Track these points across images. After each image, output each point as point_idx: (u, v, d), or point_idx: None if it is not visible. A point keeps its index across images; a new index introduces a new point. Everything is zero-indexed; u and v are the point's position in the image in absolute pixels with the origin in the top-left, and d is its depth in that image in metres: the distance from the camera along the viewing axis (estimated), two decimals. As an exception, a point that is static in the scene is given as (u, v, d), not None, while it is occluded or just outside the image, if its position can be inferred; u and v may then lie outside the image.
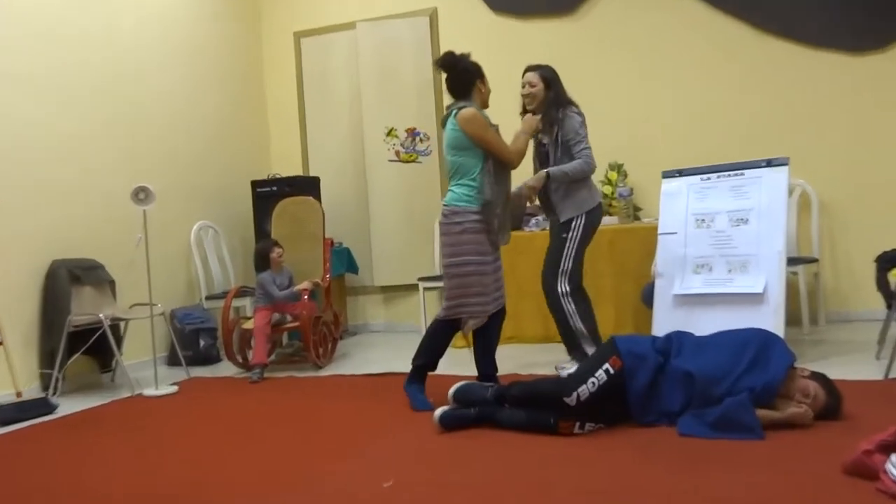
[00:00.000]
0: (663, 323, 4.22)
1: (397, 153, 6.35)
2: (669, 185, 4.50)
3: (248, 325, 4.92)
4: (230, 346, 4.95)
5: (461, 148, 3.65)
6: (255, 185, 6.07)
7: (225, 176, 6.24)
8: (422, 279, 5.89)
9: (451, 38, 6.22)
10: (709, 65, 5.54)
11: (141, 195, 4.46)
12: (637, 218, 5.51)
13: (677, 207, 4.42)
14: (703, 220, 4.30)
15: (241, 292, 5.40)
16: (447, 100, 6.05)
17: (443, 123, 3.75)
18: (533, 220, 5.45)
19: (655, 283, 4.38)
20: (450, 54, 3.69)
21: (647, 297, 4.43)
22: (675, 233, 4.39)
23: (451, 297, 3.67)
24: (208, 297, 5.67)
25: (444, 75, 3.74)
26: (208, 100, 6.13)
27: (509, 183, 3.79)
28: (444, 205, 3.66)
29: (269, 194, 5.89)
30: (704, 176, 4.39)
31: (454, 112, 3.66)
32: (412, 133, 6.35)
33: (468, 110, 3.63)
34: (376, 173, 6.36)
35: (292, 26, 6.72)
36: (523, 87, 4.18)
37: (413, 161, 6.35)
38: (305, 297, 4.90)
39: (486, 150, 3.65)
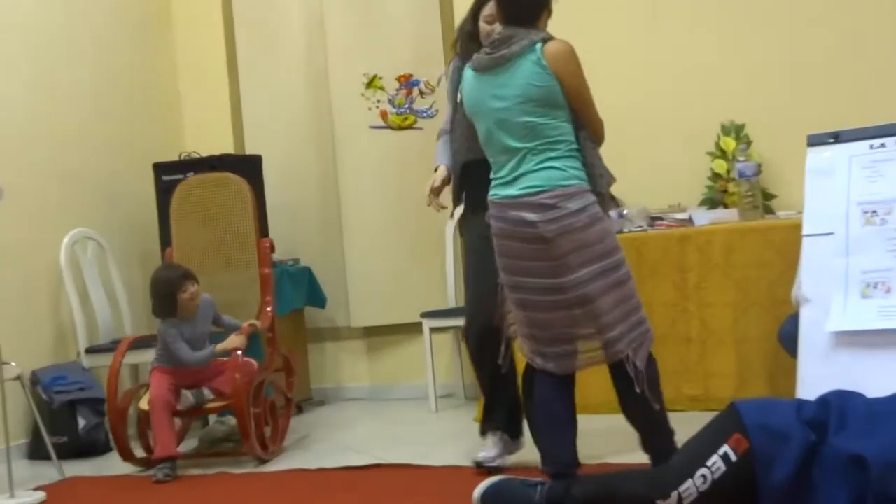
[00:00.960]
0: (815, 377, 4.18)
1: (384, 115, 6.40)
2: (819, 157, 4.46)
3: (147, 402, 4.92)
4: (123, 429, 4.95)
5: (550, 104, 3.68)
6: (160, 170, 6.11)
7: (113, 158, 6.30)
8: (428, 315, 5.91)
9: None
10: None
11: (-20, 191, 4.48)
12: (769, 211, 5.51)
13: (833, 193, 4.39)
14: (874, 212, 4.28)
15: (143, 342, 5.42)
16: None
17: (487, 65, 3.76)
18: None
19: (801, 315, 4.37)
20: None
21: (788, 338, 4.40)
22: (831, 233, 4.36)
23: (620, 319, 3.71)
24: (90, 351, 5.70)
25: None
26: (81, 44, 6.18)
27: None
28: (539, 189, 3.65)
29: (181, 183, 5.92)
30: (876, 141, 4.36)
31: (537, 45, 3.67)
32: (407, 83, 6.39)
33: (563, 44, 3.68)
34: (351, 147, 6.42)
35: None
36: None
37: (409, 127, 6.39)
38: (238, 353, 4.90)
39: (580, 108, 3.73)
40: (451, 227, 6.20)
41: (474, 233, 4.26)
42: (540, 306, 3.73)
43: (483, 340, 4.19)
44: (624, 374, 3.73)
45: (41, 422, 5.03)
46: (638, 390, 3.70)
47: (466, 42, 4.28)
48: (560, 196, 3.63)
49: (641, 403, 3.75)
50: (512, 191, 3.70)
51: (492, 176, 3.82)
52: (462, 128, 4.21)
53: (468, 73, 3.85)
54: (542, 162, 3.67)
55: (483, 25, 4.20)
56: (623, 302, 3.72)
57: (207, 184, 5.47)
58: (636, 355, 3.72)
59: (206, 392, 4.95)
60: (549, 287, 3.67)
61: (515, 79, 3.69)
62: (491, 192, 3.79)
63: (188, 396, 4.89)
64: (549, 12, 3.84)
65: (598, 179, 3.72)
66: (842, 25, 5.59)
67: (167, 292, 4.91)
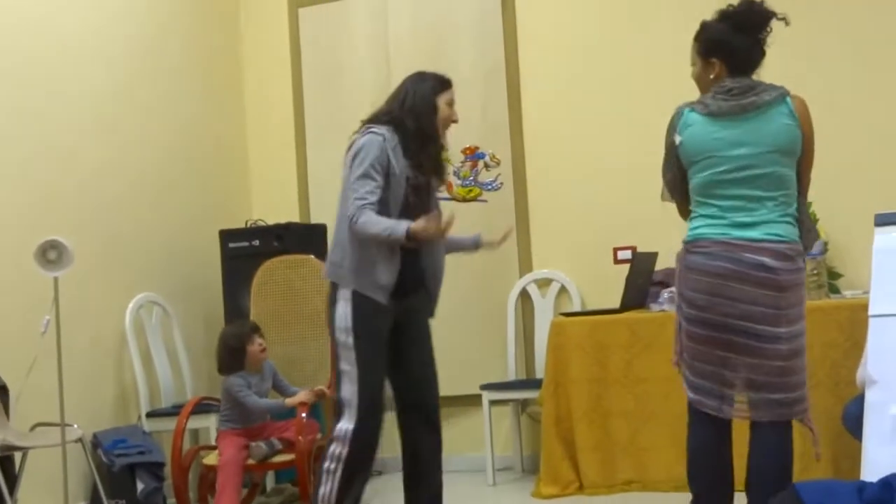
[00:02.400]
0: (879, 460, 4.11)
1: (449, 186, 6.44)
2: (887, 237, 4.42)
3: (213, 459, 4.96)
4: (184, 491, 4.99)
5: (794, 155, 3.75)
6: (227, 237, 6.18)
7: (179, 225, 6.37)
8: (488, 387, 5.89)
9: (535, 5, 6.35)
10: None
11: (51, 254, 4.54)
12: (834, 290, 5.47)
13: (898, 271, 4.36)
14: (943, 292, 4.23)
15: (205, 406, 5.46)
16: (531, 99, 6.26)
17: (731, 110, 3.73)
18: (666, 293, 5.43)
19: (866, 397, 4.30)
20: (762, 2, 3.76)
21: (853, 419, 4.34)
22: (898, 314, 4.33)
23: (801, 383, 3.74)
24: (151, 415, 5.74)
25: (715, 36, 3.81)
26: (150, 110, 6.28)
27: None
28: (781, 239, 3.70)
29: (247, 252, 5.99)
30: (944, 213, 4.33)
31: (787, 97, 3.72)
32: (472, 155, 6.43)
33: (801, 97, 3.75)
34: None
35: (287, -9, 6.95)
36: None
37: (474, 199, 6.42)
38: (303, 414, 4.94)
39: (807, 162, 3.81)
40: (513, 298, 6.23)
41: (381, 320, 4.18)
42: (738, 348, 3.70)
43: (375, 443, 4.20)
44: (768, 436, 3.74)
45: (100, 485, 5.06)
46: (817, 450, 3.79)
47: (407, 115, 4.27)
48: (797, 251, 3.72)
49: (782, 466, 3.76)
50: (754, 234, 3.69)
51: (711, 214, 3.78)
52: (397, 205, 4.14)
53: (694, 116, 3.81)
54: (784, 215, 3.73)
55: (443, 108, 4.28)
56: (805, 368, 3.77)
57: (291, 264, 5.61)
58: (810, 420, 3.78)
59: (276, 442, 4.98)
60: (763, 334, 3.67)
61: (768, 128, 3.71)
62: (717, 231, 3.73)
63: (260, 446, 4.92)
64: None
65: (806, 234, 3.81)
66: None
67: (237, 345, 5.02)
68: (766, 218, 3.72)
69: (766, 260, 3.66)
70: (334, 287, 4.14)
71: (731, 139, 3.73)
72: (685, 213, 3.96)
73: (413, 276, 4.28)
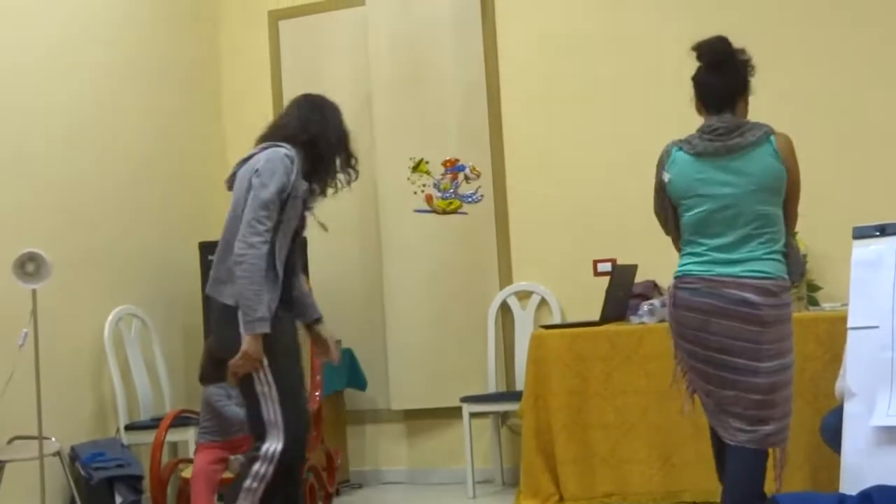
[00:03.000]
0: (857, 472, 4.13)
1: (429, 198, 6.44)
2: (865, 250, 4.44)
3: (191, 472, 4.93)
4: (162, 498, 4.97)
5: (778, 193, 3.85)
6: (206, 249, 6.14)
7: (158, 237, 6.35)
8: (469, 399, 5.89)
9: (515, 19, 6.36)
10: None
11: (29, 267, 4.53)
12: (813, 303, 5.48)
13: (879, 286, 4.37)
14: (920, 305, 4.25)
15: (184, 419, 5.44)
16: (511, 113, 6.28)
17: (716, 151, 3.85)
18: (646, 306, 5.44)
19: (845, 409, 4.32)
20: (726, 40, 3.93)
21: (831, 431, 4.36)
22: (876, 327, 4.33)
23: (783, 415, 3.81)
24: (130, 428, 5.71)
25: (699, 73, 3.97)
26: (130, 122, 6.26)
27: None
28: (766, 276, 3.78)
29: (227, 264, 5.96)
30: (922, 235, 4.35)
31: (771, 137, 3.82)
32: (453, 167, 6.43)
33: (786, 135, 3.85)
34: (395, 230, 6.46)
35: (266, 2, 6.93)
36: None
37: (455, 211, 6.42)
38: (283, 427, 4.92)
39: (793, 199, 3.91)
40: (493, 310, 6.23)
41: (289, 332, 4.16)
42: (716, 381, 3.82)
43: (299, 462, 4.13)
44: (745, 459, 3.80)
45: (78, 498, 5.03)
46: (775, 478, 3.81)
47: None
48: (782, 287, 3.80)
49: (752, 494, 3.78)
50: (735, 269, 3.78)
51: (698, 252, 3.88)
52: (289, 231, 4.18)
53: (681, 155, 3.93)
54: (769, 252, 3.81)
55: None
56: (788, 400, 3.82)
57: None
58: (783, 450, 3.85)
59: None
60: (742, 367, 3.75)
61: (753, 167, 3.81)
62: (702, 269, 3.84)
63: (239, 459, 4.83)
64: (747, 100, 3.96)
65: (794, 267, 3.92)
66: (888, 114, 5.60)
67: (221, 356, 4.95)
68: (751, 255, 3.81)
69: (749, 296, 3.75)
70: (228, 307, 4.01)
71: (717, 179, 3.83)
72: (678, 247, 4.06)
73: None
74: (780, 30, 5.79)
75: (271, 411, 3.94)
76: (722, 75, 3.90)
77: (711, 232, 3.86)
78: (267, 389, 3.95)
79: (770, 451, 3.85)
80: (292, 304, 4.22)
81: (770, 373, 3.76)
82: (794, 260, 3.93)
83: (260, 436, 3.94)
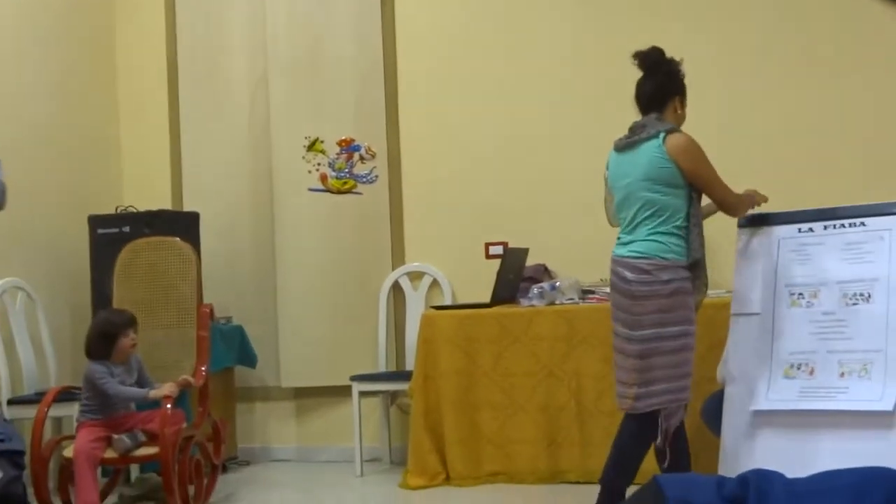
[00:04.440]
0: (736, 455, 4.21)
1: (323, 178, 6.40)
2: (748, 238, 4.53)
3: (72, 451, 4.82)
4: (44, 481, 4.84)
5: (671, 184, 4.16)
6: (95, 223, 6.05)
7: (46, 209, 6.20)
8: (358, 378, 5.87)
9: (413, 1, 6.33)
10: (810, 55, 5.67)
11: None
12: (698, 288, 5.56)
13: (761, 275, 4.45)
14: (800, 294, 4.33)
15: (68, 395, 5.31)
16: (408, 94, 6.26)
17: (624, 147, 4.27)
18: (535, 289, 5.46)
19: (725, 393, 4.38)
20: (659, 50, 4.29)
21: (711, 415, 4.42)
22: (757, 314, 4.41)
23: (658, 379, 4.10)
24: (13, 402, 5.56)
25: (641, 77, 4.29)
26: (19, 93, 6.11)
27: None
28: (641, 255, 4.13)
29: (116, 238, 5.85)
30: (804, 226, 4.42)
31: (661, 134, 4.15)
32: (348, 147, 6.40)
33: (682, 136, 4.18)
34: (290, 209, 6.40)
35: (164, -26, 6.81)
36: None
37: (349, 191, 6.39)
38: (168, 405, 4.83)
39: (701, 189, 4.23)
40: (385, 290, 6.22)
41: None
42: (617, 349, 4.22)
43: None
44: (628, 425, 4.20)
45: (-43, 472, 4.91)
46: (659, 443, 4.15)
47: None
48: (656, 266, 4.10)
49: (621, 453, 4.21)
50: (622, 252, 4.20)
51: (617, 235, 4.32)
52: None
53: (612, 152, 4.35)
54: (651, 234, 4.15)
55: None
56: (674, 367, 4.12)
57: (156, 246, 5.47)
58: (669, 417, 4.14)
59: (139, 434, 4.82)
60: (625, 335, 4.15)
61: (641, 160, 4.19)
62: (614, 251, 4.27)
63: (123, 439, 4.76)
64: (682, 99, 4.33)
65: (690, 251, 4.19)
66: (775, 108, 5.70)
67: (110, 333, 4.87)
68: (636, 238, 4.19)
69: (626, 273, 4.16)
70: None
71: (621, 171, 4.28)
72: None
73: None
74: (663, 33, 5.85)
75: None
76: (650, 80, 4.27)
77: (621, 217, 4.29)
78: None
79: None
80: None
81: (642, 341, 4.09)
82: (691, 244, 4.20)
83: None
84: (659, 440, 4.15)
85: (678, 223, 4.17)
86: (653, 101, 4.28)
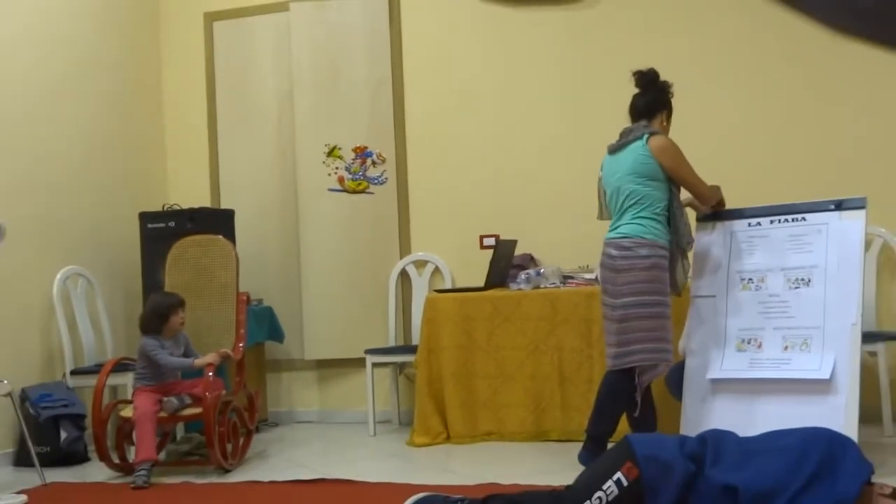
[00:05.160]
0: (695, 418, 4.24)
1: (341, 180, 6.38)
2: (704, 231, 4.56)
3: (129, 412, 4.85)
4: (103, 439, 4.86)
5: (652, 178, 4.29)
6: (146, 219, 6.05)
7: (103, 207, 6.20)
8: (371, 352, 5.87)
9: (417, 27, 6.32)
10: (762, 70, 5.66)
11: (-14, 230, 4.43)
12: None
13: (715, 262, 4.47)
14: (749, 279, 4.35)
15: (123, 366, 5.33)
16: (413, 108, 6.25)
17: (615, 149, 4.41)
18: (523, 275, 5.47)
19: (686, 364, 4.40)
20: (654, 71, 4.44)
21: (674, 383, 4.44)
22: (713, 296, 4.43)
23: (634, 341, 4.19)
24: (75, 373, 5.57)
25: (636, 92, 4.44)
26: (80, 104, 6.11)
27: None
28: (624, 236, 4.26)
29: (164, 232, 5.86)
30: (753, 221, 4.45)
31: (645, 136, 4.30)
32: (362, 153, 6.38)
33: (663, 138, 4.33)
34: (312, 207, 6.38)
35: (202, 5, 6.78)
36: None
37: (363, 191, 6.37)
38: (210, 373, 4.85)
39: (679, 183, 4.34)
40: (394, 276, 6.21)
41: None
42: (604, 316, 4.35)
43: None
44: (609, 381, 4.32)
45: (27, 433, 4.91)
46: (638, 398, 4.26)
47: None
48: (636, 244, 4.22)
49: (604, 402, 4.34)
50: (611, 234, 4.34)
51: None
52: None
53: (606, 156, 4.48)
54: (633, 218, 4.28)
55: None
56: (649, 331, 4.19)
57: (201, 243, 5.48)
58: (642, 373, 4.25)
59: (185, 397, 4.89)
60: (609, 303, 4.29)
61: (627, 157, 4.32)
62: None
63: (172, 401, 4.82)
64: (668, 114, 4.47)
65: (679, 237, 4.33)
66: (729, 120, 5.68)
67: (163, 312, 4.94)
68: (623, 222, 4.31)
69: (611, 250, 4.29)
70: None
71: (612, 169, 4.41)
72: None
73: None
74: (641, 45, 5.83)
75: None
76: (643, 96, 4.42)
77: (611, 208, 4.42)
78: None
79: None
80: None
81: (623, 307, 4.20)
82: (679, 231, 4.33)
83: None
84: (637, 394, 4.26)
85: (658, 210, 4.27)
86: (643, 114, 4.41)
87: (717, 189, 4.51)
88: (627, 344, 4.20)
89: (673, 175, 4.30)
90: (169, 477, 4.81)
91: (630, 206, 4.28)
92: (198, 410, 4.83)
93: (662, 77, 4.45)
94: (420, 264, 6.28)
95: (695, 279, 4.51)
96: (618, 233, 4.29)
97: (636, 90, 4.46)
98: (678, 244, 4.33)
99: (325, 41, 6.40)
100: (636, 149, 4.30)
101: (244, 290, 5.47)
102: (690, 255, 4.50)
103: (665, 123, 4.45)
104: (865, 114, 5.48)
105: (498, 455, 4.95)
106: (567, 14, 6.00)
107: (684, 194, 4.45)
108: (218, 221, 6.00)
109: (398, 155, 6.35)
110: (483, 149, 6.14)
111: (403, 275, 6.28)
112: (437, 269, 6.21)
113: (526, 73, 6.07)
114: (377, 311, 6.25)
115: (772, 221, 4.38)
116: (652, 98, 4.41)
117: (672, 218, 4.32)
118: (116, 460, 4.93)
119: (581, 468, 3.61)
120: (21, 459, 5.22)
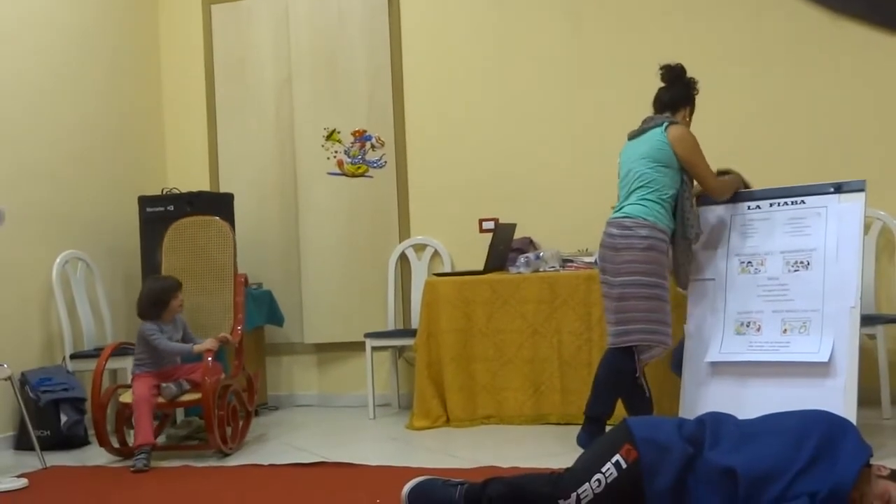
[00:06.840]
0: (694, 400, 4.23)
1: (340, 164, 6.36)
2: (704, 214, 4.54)
3: (128, 397, 4.83)
4: (103, 423, 4.85)
5: (665, 164, 4.32)
6: (144, 202, 6.04)
7: (102, 191, 6.19)
8: (371, 335, 5.86)
9: (416, 11, 6.30)
10: (762, 54, 5.64)
11: (-15, 214, 4.41)
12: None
13: (715, 245, 4.46)
14: (749, 262, 4.34)
15: (122, 350, 5.32)
16: (412, 91, 6.22)
17: (635, 135, 4.46)
18: (522, 258, 5.45)
19: (685, 347, 4.39)
20: (681, 66, 4.47)
21: (678, 364, 4.43)
22: (712, 279, 4.42)
23: (633, 320, 4.19)
24: (75, 357, 5.57)
25: (661, 86, 4.48)
26: (79, 89, 6.09)
27: None
28: (626, 216, 4.28)
29: (163, 216, 5.85)
30: (752, 204, 4.43)
31: (665, 124, 4.35)
32: (361, 137, 6.37)
33: (682, 128, 4.38)
34: (311, 190, 6.37)
35: (201, -11, 6.76)
36: None
37: (362, 175, 6.36)
38: (209, 358, 4.84)
39: (692, 174, 4.37)
40: (393, 259, 6.20)
41: None
42: (604, 295, 4.38)
43: None
44: (607, 357, 4.33)
45: (27, 417, 4.91)
46: (637, 374, 4.26)
47: None
48: (637, 224, 4.24)
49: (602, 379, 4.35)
50: (615, 214, 4.36)
51: None
52: None
53: (626, 142, 4.51)
54: (639, 200, 4.30)
55: None
56: (648, 311, 4.20)
57: (198, 225, 5.44)
58: (642, 352, 4.25)
59: (184, 383, 4.87)
60: (608, 282, 4.31)
61: (645, 143, 4.37)
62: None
63: (170, 387, 4.80)
64: (691, 110, 4.51)
65: (686, 227, 4.34)
66: (734, 108, 5.65)
67: (161, 297, 4.90)
68: (628, 202, 4.33)
69: (613, 229, 4.31)
70: None
71: (629, 154, 4.45)
72: None
73: None
74: (645, 33, 5.80)
75: None
76: (668, 89, 4.46)
77: (621, 190, 4.44)
78: None
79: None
80: None
81: (621, 285, 4.22)
82: (687, 221, 4.33)
83: None
84: (638, 372, 4.26)
85: (665, 196, 4.29)
86: (667, 107, 4.45)
87: (734, 182, 4.51)
88: (626, 323, 4.21)
89: (686, 165, 4.33)
90: (168, 461, 4.81)
91: (638, 188, 4.31)
92: (197, 396, 4.82)
93: (664, 63, 4.46)
94: (419, 248, 6.26)
95: (695, 263, 4.49)
96: (621, 213, 4.32)
97: (661, 84, 4.49)
98: (684, 234, 4.34)
99: (324, 24, 6.38)
100: (654, 135, 4.35)
101: (242, 273, 5.43)
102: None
103: (687, 119, 4.49)
104: (865, 97, 5.46)
105: (497, 438, 4.95)
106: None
107: (699, 188, 4.46)
108: (217, 205, 5.98)
109: (397, 138, 6.33)
110: (482, 133, 6.12)
111: (403, 258, 6.27)
112: (436, 253, 6.20)
113: (525, 56, 6.05)
114: (377, 294, 6.24)
115: (771, 204, 4.37)
116: (677, 93, 4.46)
117: (680, 207, 4.33)
118: (116, 444, 4.92)
119: (580, 450, 3.60)
120: (21, 443, 5.22)
